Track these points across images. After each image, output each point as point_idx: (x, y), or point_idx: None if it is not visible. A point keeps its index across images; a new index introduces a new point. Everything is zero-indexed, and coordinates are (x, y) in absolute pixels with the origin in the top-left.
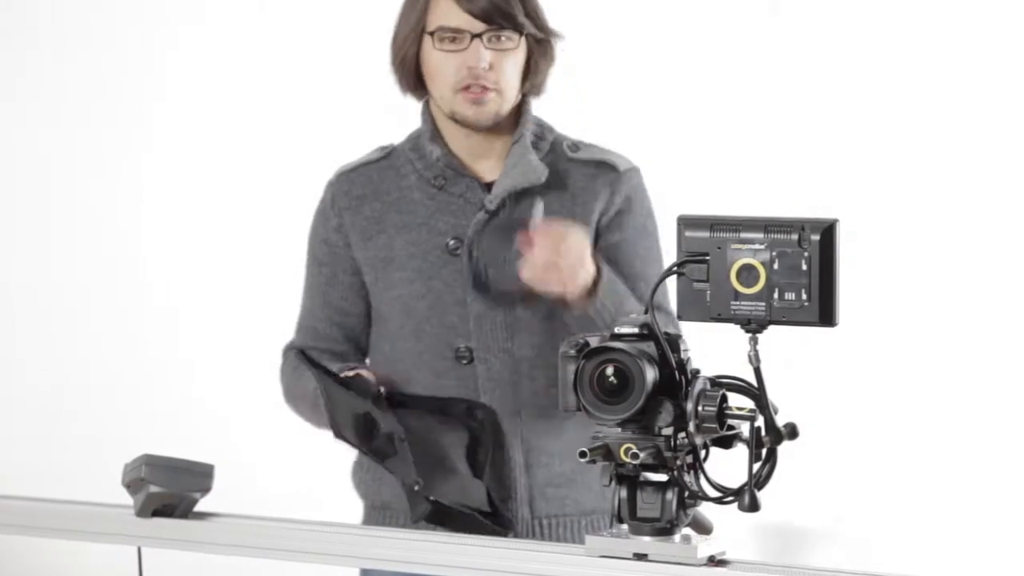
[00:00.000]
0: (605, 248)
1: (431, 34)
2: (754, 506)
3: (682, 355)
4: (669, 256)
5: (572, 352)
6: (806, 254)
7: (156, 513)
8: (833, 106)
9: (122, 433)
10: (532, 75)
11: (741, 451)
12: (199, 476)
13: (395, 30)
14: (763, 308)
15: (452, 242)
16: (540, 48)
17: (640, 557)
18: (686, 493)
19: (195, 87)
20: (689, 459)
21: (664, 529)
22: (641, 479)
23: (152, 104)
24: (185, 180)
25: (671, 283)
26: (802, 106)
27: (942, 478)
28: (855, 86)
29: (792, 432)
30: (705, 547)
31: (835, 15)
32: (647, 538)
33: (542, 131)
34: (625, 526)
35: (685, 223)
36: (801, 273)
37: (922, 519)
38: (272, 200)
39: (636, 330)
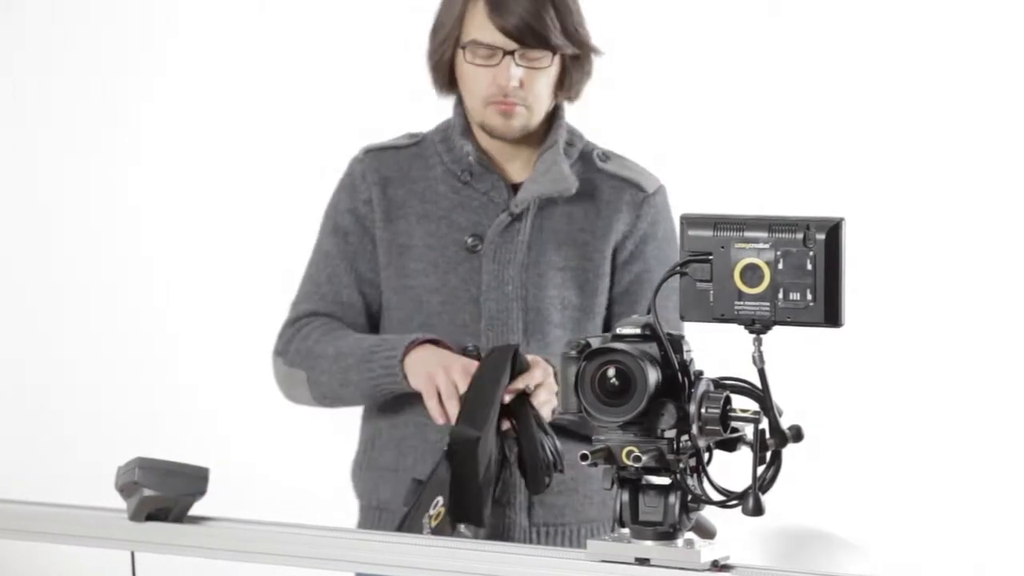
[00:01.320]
0: (626, 277)
1: (463, 47)
2: (758, 510)
3: (685, 356)
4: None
5: (573, 353)
6: (811, 253)
7: (150, 517)
8: (837, 105)
9: (115, 436)
10: (566, 88)
11: (745, 454)
12: (194, 479)
13: (434, 28)
14: (767, 308)
15: (471, 239)
16: (576, 63)
17: (642, 562)
18: (689, 497)
19: (189, 86)
20: (692, 462)
21: (667, 533)
22: (643, 482)
23: (147, 104)
24: (182, 180)
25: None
26: (806, 105)
27: (950, 481)
28: (860, 84)
29: (797, 435)
30: (708, 552)
31: (836, 14)
32: (649, 542)
33: (572, 138)
34: (627, 530)
35: (688, 222)
36: (806, 273)
37: (930, 522)
38: (268, 200)
39: (638, 331)
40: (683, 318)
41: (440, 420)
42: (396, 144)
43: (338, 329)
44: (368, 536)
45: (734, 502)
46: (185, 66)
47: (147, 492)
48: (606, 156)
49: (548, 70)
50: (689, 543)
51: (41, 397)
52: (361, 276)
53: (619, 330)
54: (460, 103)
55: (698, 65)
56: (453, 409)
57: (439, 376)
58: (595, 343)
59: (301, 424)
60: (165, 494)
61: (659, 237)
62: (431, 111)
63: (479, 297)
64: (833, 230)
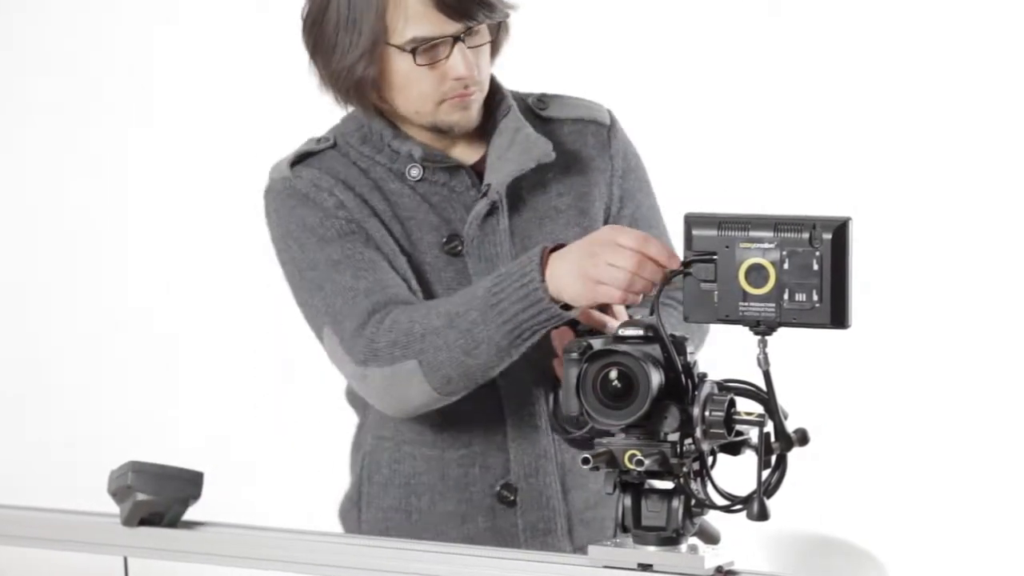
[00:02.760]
0: (622, 222)
1: (404, 49)
2: (763, 515)
3: (688, 358)
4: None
5: (575, 355)
6: (817, 253)
7: (143, 522)
8: (844, 103)
9: (108, 439)
10: (495, 55)
11: (750, 458)
12: (187, 483)
13: (329, 50)
14: (773, 309)
15: (448, 240)
16: (501, 24)
17: (645, 567)
18: (692, 501)
19: (178, 86)
20: (696, 466)
21: (670, 538)
22: (646, 486)
23: (136, 105)
24: (177, 180)
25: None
26: (812, 103)
27: (960, 485)
28: (866, 82)
29: (803, 438)
30: (712, 557)
31: (841, 12)
32: (652, 548)
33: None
34: (629, 535)
35: (692, 221)
36: (812, 273)
37: (939, 528)
38: (257, 202)
39: (641, 332)
40: (687, 319)
41: (632, 300)
42: (312, 150)
43: (425, 302)
44: (367, 541)
45: (739, 507)
46: (175, 65)
47: (140, 496)
48: (543, 101)
49: (488, 44)
50: (693, 549)
51: (33, 400)
52: (385, 259)
53: (621, 331)
54: (370, 110)
55: (700, 64)
56: (637, 296)
57: (601, 266)
58: (597, 344)
59: (296, 428)
60: (159, 498)
61: (633, 166)
62: None
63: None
64: (840, 230)
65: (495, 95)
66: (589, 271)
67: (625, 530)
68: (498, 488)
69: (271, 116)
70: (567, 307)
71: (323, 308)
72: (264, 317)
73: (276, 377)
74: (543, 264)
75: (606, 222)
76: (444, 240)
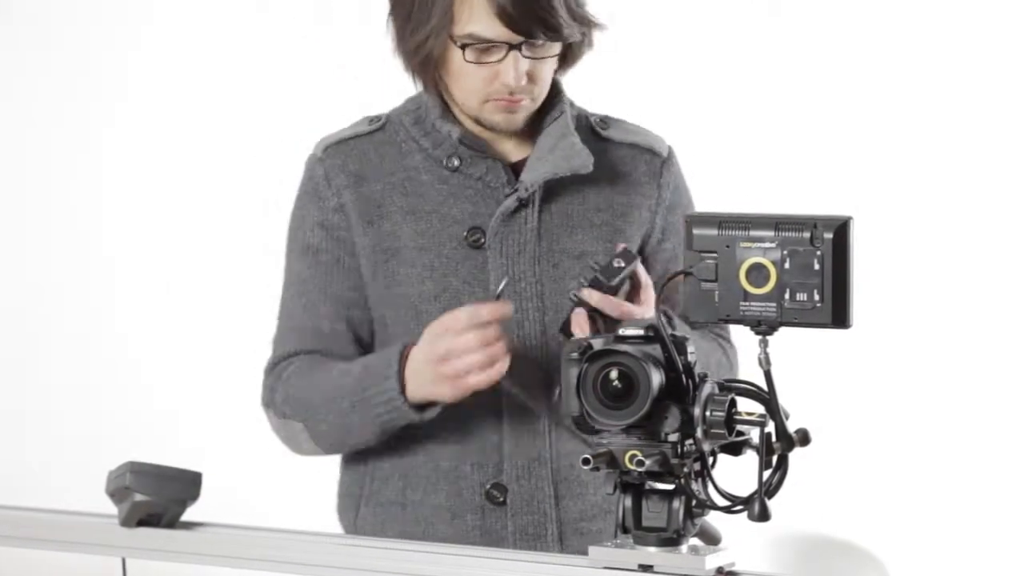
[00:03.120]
0: (664, 256)
1: (456, 42)
2: (764, 515)
3: (689, 358)
4: None
5: (575, 355)
6: (819, 253)
7: (141, 523)
8: (846, 102)
9: (106, 439)
10: (568, 64)
11: (751, 458)
12: (186, 484)
13: (407, 15)
14: (774, 309)
15: (470, 233)
16: (580, 41)
17: (645, 568)
18: (693, 502)
19: (160, 85)
20: (696, 466)
21: (670, 539)
22: (646, 487)
23: (127, 106)
24: (176, 180)
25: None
26: (814, 101)
27: (963, 486)
28: (868, 81)
29: (804, 438)
30: (713, 558)
31: (842, 10)
32: (653, 549)
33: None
34: (630, 536)
35: (693, 220)
36: (813, 273)
37: (942, 528)
38: (254, 200)
39: (641, 332)
40: (687, 319)
41: (498, 375)
42: (357, 132)
43: (318, 365)
44: (366, 542)
45: (740, 507)
46: (161, 65)
47: (138, 497)
48: (605, 122)
49: (554, 56)
50: (694, 549)
51: (30, 401)
52: (340, 299)
53: (622, 331)
54: (430, 87)
55: (701, 63)
56: (503, 362)
57: (454, 362)
58: (597, 344)
59: None
60: (157, 499)
61: (684, 203)
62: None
63: (488, 299)
64: (841, 229)
65: (552, 100)
66: (446, 371)
67: (626, 531)
68: (488, 487)
69: (270, 116)
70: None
71: (279, 314)
72: (264, 317)
73: None
74: (401, 369)
75: (642, 251)
76: (466, 233)
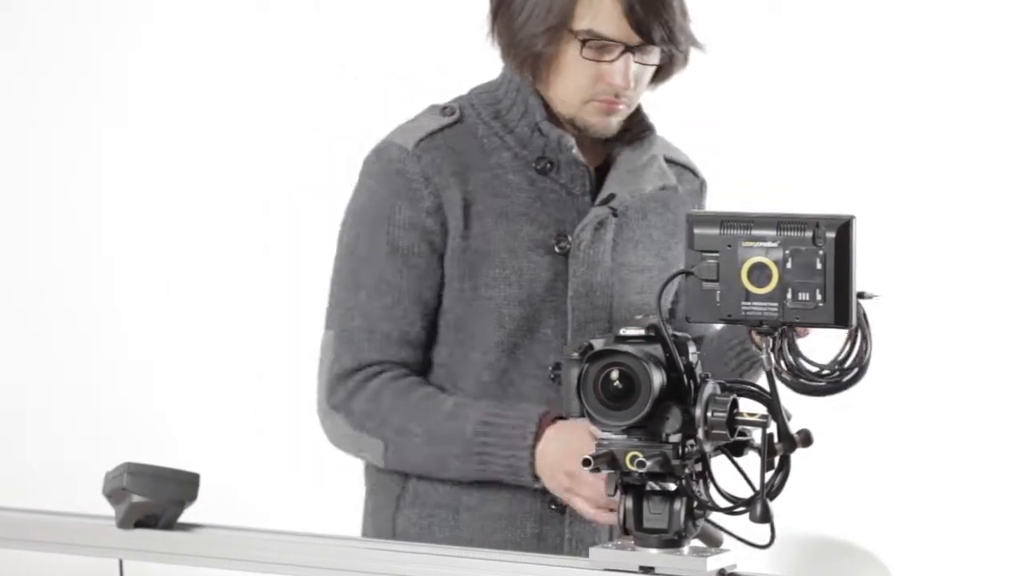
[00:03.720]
0: None
1: (577, 36)
2: (766, 517)
3: (690, 358)
4: None
5: (575, 355)
6: (821, 252)
7: (139, 524)
8: (849, 100)
9: (103, 440)
10: (661, 79)
11: (753, 459)
12: (184, 485)
13: (515, 16)
14: (775, 309)
15: (557, 240)
16: (679, 56)
17: (647, 570)
18: (695, 503)
19: (160, 85)
20: (698, 467)
21: (672, 541)
22: (648, 488)
23: (127, 106)
24: (178, 180)
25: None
26: (816, 100)
27: (962, 487)
28: (871, 80)
29: (806, 439)
30: (715, 560)
31: (845, 8)
32: (654, 550)
33: None
34: (631, 538)
35: (694, 220)
36: (815, 272)
37: (946, 530)
38: (254, 200)
39: (642, 332)
40: (689, 319)
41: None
42: (442, 125)
43: (414, 390)
44: (365, 544)
45: (741, 509)
46: (162, 65)
47: (136, 498)
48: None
49: (655, 66)
50: (695, 551)
51: (27, 401)
52: (427, 305)
53: (623, 331)
54: (532, 85)
55: (702, 62)
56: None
57: (574, 495)
58: (598, 344)
59: (293, 430)
60: (154, 500)
61: None
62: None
63: (563, 307)
64: (843, 228)
65: (635, 114)
66: (565, 487)
67: (627, 532)
68: (550, 495)
69: (270, 116)
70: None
71: (342, 313)
72: (263, 318)
73: (274, 379)
74: (536, 441)
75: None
76: (552, 239)
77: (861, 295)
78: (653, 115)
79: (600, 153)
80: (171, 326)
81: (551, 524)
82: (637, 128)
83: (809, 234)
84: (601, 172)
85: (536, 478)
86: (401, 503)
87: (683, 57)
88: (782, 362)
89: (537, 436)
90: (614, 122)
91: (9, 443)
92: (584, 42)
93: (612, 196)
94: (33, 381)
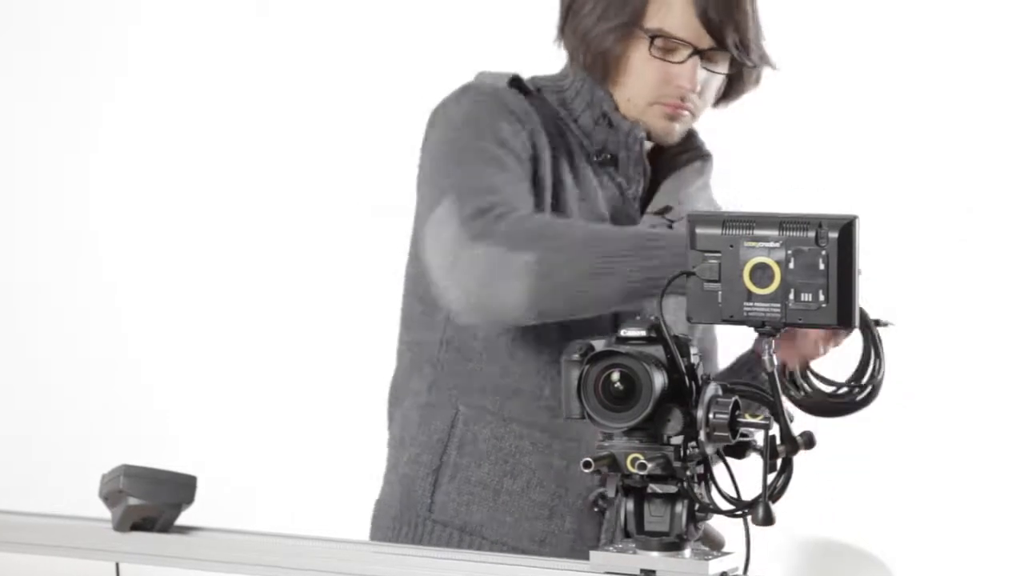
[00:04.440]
0: None
1: (646, 34)
2: (768, 519)
3: (692, 359)
4: None
5: (575, 356)
6: (823, 252)
7: (135, 527)
8: (851, 99)
9: (99, 442)
10: (730, 96)
11: (755, 461)
12: (181, 488)
13: (590, 12)
14: (778, 309)
15: None
16: (750, 72)
17: (648, 574)
18: (696, 505)
19: (151, 84)
20: (700, 469)
21: (673, 544)
22: (649, 491)
23: (120, 104)
24: (175, 179)
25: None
26: (818, 98)
27: (966, 489)
28: (874, 78)
29: (809, 441)
30: (717, 563)
31: (845, 8)
32: (655, 553)
33: None
34: (632, 541)
35: (696, 220)
36: (818, 273)
37: (951, 532)
38: (250, 199)
39: (643, 333)
40: (690, 320)
41: None
42: (534, 86)
43: (558, 218)
44: (365, 546)
45: (743, 511)
46: (151, 64)
47: (133, 501)
48: None
49: (723, 77)
50: (697, 554)
51: (22, 402)
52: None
53: (623, 332)
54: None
55: None
56: None
57: None
58: (598, 346)
59: (291, 431)
60: (151, 503)
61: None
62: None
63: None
64: (846, 228)
65: (692, 137)
66: None
67: (628, 535)
68: (594, 496)
69: (266, 115)
70: None
71: (455, 181)
72: (261, 320)
73: (272, 381)
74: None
75: None
76: None
77: (877, 323)
78: None
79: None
80: (169, 327)
81: (589, 523)
82: (694, 151)
83: (812, 234)
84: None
85: None
86: (440, 478)
87: (754, 74)
88: (797, 389)
89: None
90: (678, 128)
91: (4, 445)
92: (652, 40)
93: (669, 208)
94: (28, 382)
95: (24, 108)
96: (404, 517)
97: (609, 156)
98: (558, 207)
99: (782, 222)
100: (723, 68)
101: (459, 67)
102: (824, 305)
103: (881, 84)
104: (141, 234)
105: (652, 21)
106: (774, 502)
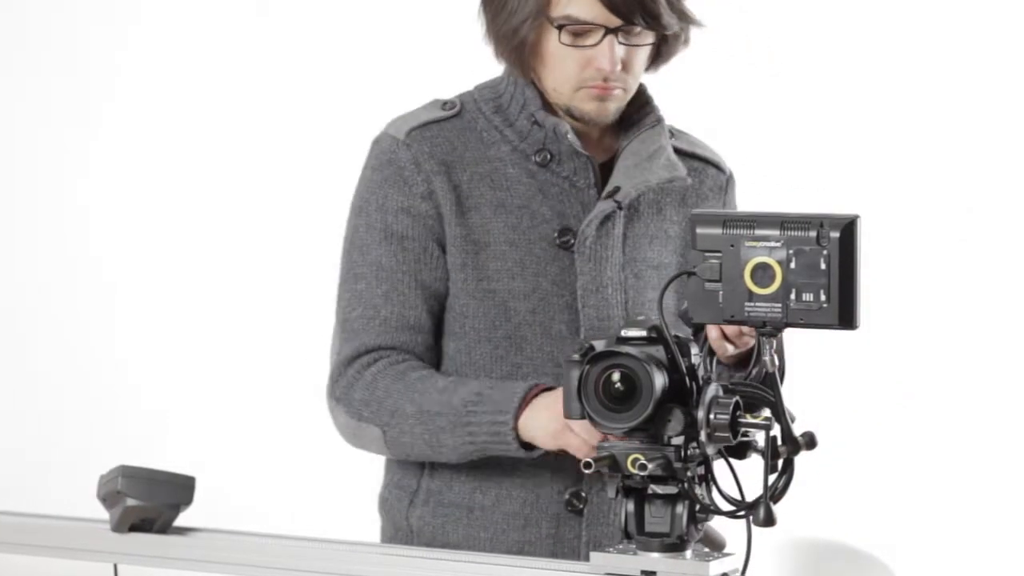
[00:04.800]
0: None
1: (553, 24)
2: (769, 520)
3: (693, 359)
4: None
5: (576, 357)
6: (825, 252)
7: (133, 528)
8: (854, 98)
9: (97, 442)
10: (661, 60)
11: (756, 462)
12: (179, 488)
13: (500, 11)
14: (779, 310)
15: (560, 234)
16: (675, 35)
17: (649, 575)
18: (697, 506)
19: (149, 84)
20: (700, 470)
21: (674, 545)
22: (649, 492)
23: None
24: (171, 181)
25: None
26: (821, 97)
27: (968, 490)
28: (877, 77)
29: (810, 442)
30: (718, 564)
31: (848, 6)
32: (656, 554)
33: None
34: (633, 542)
35: (697, 220)
36: (819, 272)
37: (952, 533)
38: (244, 200)
39: (644, 333)
40: (692, 320)
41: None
42: (437, 117)
43: (411, 372)
44: (362, 548)
45: (744, 512)
46: (150, 64)
47: (131, 502)
48: (672, 133)
49: (648, 46)
50: (698, 555)
51: (18, 402)
52: (428, 289)
53: (624, 332)
54: (527, 76)
55: (705, 60)
56: None
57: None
58: (599, 346)
59: (290, 433)
60: (149, 504)
61: None
62: (391, 101)
63: (575, 303)
64: (848, 228)
65: (640, 99)
66: (561, 438)
67: (628, 536)
68: (567, 495)
69: (262, 115)
70: (530, 446)
71: (344, 306)
72: (257, 322)
73: (269, 382)
74: (522, 406)
75: None
76: (556, 233)
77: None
78: (663, 113)
79: (610, 147)
80: (167, 327)
81: (568, 525)
82: (647, 119)
83: (813, 234)
84: (611, 167)
85: (524, 445)
86: (415, 500)
87: (681, 36)
88: None
89: (525, 402)
90: (612, 107)
91: (1, 445)
92: (561, 28)
93: (617, 189)
94: (26, 382)
95: (24, 108)
96: (395, 541)
97: (548, 155)
98: (469, 224)
99: (783, 221)
100: (643, 39)
101: (459, 66)
102: (826, 305)
103: (881, 84)
104: (139, 235)
105: (558, 9)
106: (775, 503)
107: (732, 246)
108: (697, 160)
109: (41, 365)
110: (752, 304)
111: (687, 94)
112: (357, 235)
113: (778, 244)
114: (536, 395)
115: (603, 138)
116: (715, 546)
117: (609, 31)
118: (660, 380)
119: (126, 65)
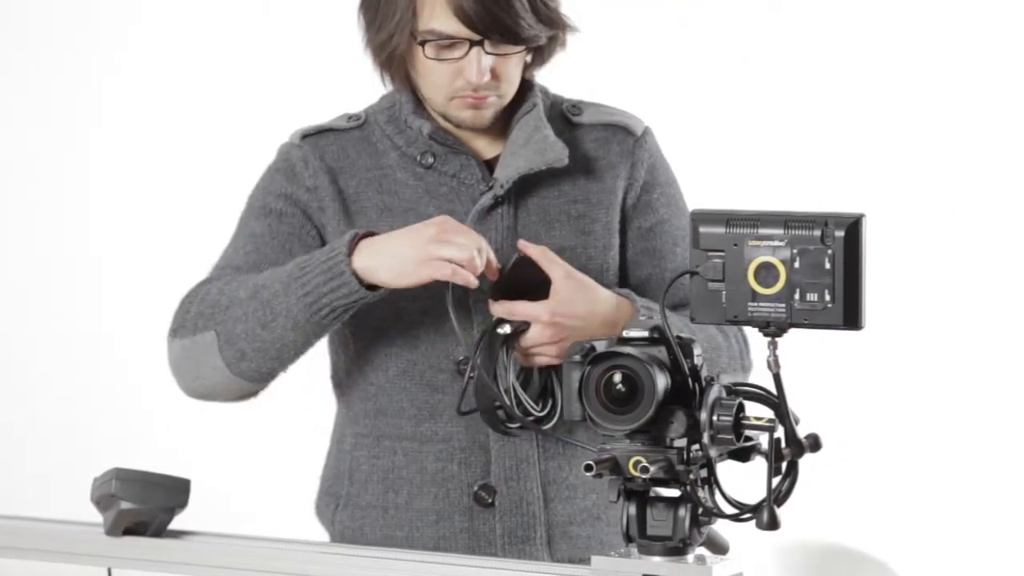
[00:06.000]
0: (639, 234)
1: (416, 39)
2: (773, 524)
3: (695, 360)
4: None
5: (577, 357)
6: (830, 251)
7: (128, 531)
8: (858, 97)
9: (91, 445)
10: (539, 62)
11: (759, 464)
12: (174, 491)
13: (373, 15)
14: (783, 310)
15: None
16: (550, 40)
17: None
18: (700, 510)
19: (147, 85)
20: (703, 473)
21: (676, 548)
22: (651, 494)
23: (114, 106)
24: (165, 185)
25: None
26: (824, 95)
27: (973, 493)
28: (882, 75)
29: (814, 444)
30: (721, 568)
31: (847, 7)
32: (658, 558)
33: (540, 96)
34: (634, 546)
35: (699, 218)
36: (824, 272)
37: (957, 536)
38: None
39: (646, 334)
40: (694, 320)
41: (464, 281)
42: (335, 126)
43: (238, 277)
44: (359, 551)
45: (748, 515)
46: (149, 64)
47: (125, 505)
48: (578, 107)
49: (520, 53)
50: (700, 559)
51: (12, 404)
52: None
53: (626, 333)
54: (403, 84)
55: (704, 60)
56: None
57: (446, 245)
58: (600, 347)
59: (286, 436)
60: (144, 507)
61: (662, 182)
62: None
63: (466, 299)
64: (853, 227)
65: (524, 95)
66: (430, 250)
67: (630, 540)
68: (476, 488)
69: (259, 115)
70: (374, 288)
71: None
72: None
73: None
74: (353, 243)
75: (622, 231)
76: None
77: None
78: (657, 111)
79: (503, 141)
80: (162, 330)
81: (480, 519)
82: (524, 106)
83: (818, 233)
84: None
85: (367, 287)
86: (339, 505)
87: (559, 39)
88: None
89: (357, 239)
90: (487, 114)
91: None
92: (424, 43)
93: (495, 181)
94: (18, 385)
95: (24, 108)
96: None
97: (432, 156)
98: (356, 226)
99: (787, 220)
100: (511, 49)
101: None
102: (830, 305)
103: (881, 84)
104: (136, 236)
105: (422, 23)
106: (779, 506)
107: (735, 245)
108: (602, 128)
109: (34, 368)
110: (756, 304)
111: (687, 94)
112: (242, 214)
113: (782, 243)
114: (366, 236)
115: (493, 131)
116: (718, 549)
117: (474, 43)
118: (662, 381)
119: (126, 65)
